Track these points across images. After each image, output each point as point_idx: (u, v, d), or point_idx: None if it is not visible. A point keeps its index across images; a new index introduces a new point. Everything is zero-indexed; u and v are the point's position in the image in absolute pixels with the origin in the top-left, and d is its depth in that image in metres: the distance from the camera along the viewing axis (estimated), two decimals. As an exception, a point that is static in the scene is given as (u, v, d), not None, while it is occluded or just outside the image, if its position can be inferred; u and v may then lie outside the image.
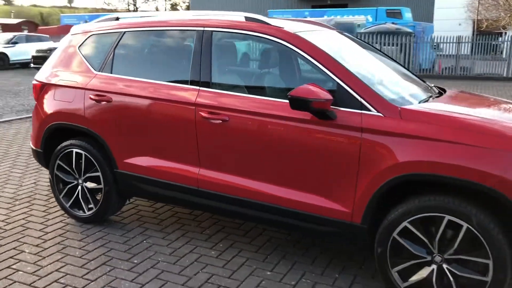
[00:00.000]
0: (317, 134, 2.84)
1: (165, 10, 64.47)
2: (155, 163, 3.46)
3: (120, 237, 3.60)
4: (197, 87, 3.24)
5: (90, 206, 3.81)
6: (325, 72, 2.90)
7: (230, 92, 3.14)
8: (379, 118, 2.71)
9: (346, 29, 19.63)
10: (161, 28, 3.57)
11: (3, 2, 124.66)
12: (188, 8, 51.06)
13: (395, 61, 4.02)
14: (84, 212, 3.83)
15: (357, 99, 2.78)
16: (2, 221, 3.88)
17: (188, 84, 3.29)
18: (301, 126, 2.88)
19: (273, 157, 2.99)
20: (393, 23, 20.40)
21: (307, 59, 2.96)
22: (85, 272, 3.08)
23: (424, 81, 3.77)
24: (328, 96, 2.71)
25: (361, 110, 2.76)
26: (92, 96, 3.62)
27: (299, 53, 3.00)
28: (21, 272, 3.07)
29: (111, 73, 3.65)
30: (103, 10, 61.26)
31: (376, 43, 17.58)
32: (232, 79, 3.35)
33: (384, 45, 17.53)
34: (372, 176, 2.70)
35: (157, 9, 63.90)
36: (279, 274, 3.08)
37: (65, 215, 3.97)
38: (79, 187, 3.83)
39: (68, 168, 3.84)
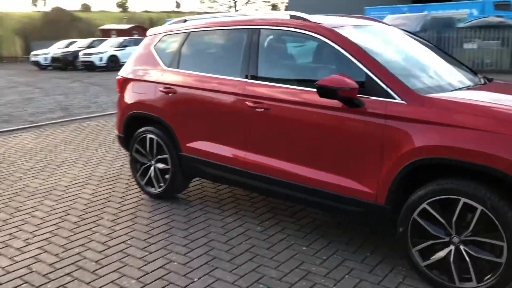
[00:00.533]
0: (346, 121, 3.09)
1: (264, 11, 65.84)
2: (210, 147, 3.91)
3: (182, 211, 4.12)
4: (245, 80, 3.63)
5: (160, 184, 4.38)
6: (355, 63, 3.13)
7: (271, 83, 3.49)
8: (402, 106, 2.89)
9: (444, 25, 18.83)
10: (219, 28, 4.03)
11: (120, 9, 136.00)
12: (286, 8, 51.80)
13: (446, 53, 4.08)
14: (155, 189, 4.42)
15: (383, 88, 2.98)
16: (90, 194, 4.61)
17: (238, 77, 3.69)
18: (332, 114, 3.14)
19: (307, 142, 3.29)
20: (498, 16, 19.12)
21: (340, 51, 3.21)
22: (148, 236, 3.62)
23: (473, 71, 3.82)
24: (354, 85, 2.95)
25: (386, 98, 2.96)
26: (161, 89, 4.18)
27: (333, 46, 3.26)
28: (97, 234, 3.69)
29: (178, 68, 4.19)
30: (206, 13, 64.16)
31: (478, 38, 16.68)
32: (274, 72, 3.69)
33: (484, 39, 16.56)
34: (394, 160, 2.89)
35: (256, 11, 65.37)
36: (313, 250, 3.37)
37: (141, 192, 4.58)
38: (152, 168, 4.42)
39: (143, 151, 4.45)
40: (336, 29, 3.35)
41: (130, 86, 4.54)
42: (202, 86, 3.90)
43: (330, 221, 3.86)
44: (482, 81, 3.64)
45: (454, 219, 2.72)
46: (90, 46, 26.02)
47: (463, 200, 2.66)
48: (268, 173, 3.53)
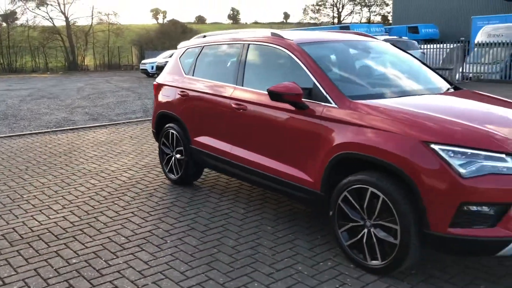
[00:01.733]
0: (295, 121, 3.72)
1: (369, 21, 65.13)
2: (210, 141, 4.72)
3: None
4: (234, 85, 4.40)
5: (178, 172, 5.28)
6: (307, 73, 3.75)
7: (249, 88, 4.21)
8: (334, 109, 3.47)
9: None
10: (223, 43, 4.84)
11: (231, 21, 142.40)
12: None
13: (424, 64, 4.50)
14: (174, 176, 5.32)
15: (324, 94, 3.58)
16: (127, 178, 5.65)
17: (231, 83, 4.47)
18: (286, 115, 3.79)
19: (269, 138, 3.97)
20: None
21: (298, 63, 3.85)
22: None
23: (447, 81, 4.24)
24: (297, 91, 3.58)
25: (325, 102, 3.55)
26: (179, 92, 5.09)
27: (294, 59, 3.90)
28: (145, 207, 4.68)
29: (193, 76, 5.07)
30: (309, 24, 65.19)
31: None
32: (252, 79, 4.37)
33: None
34: (325, 154, 3.46)
35: (360, 22, 64.96)
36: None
37: (173, 186, 5.52)
38: (173, 158, 5.34)
39: (167, 143, 5.38)
40: (300, 45, 3.98)
41: (161, 90, 5.52)
42: (205, 90, 4.74)
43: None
44: (443, 90, 4.04)
45: (365, 205, 3.23)
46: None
47: (370, 189, 3.17)
48: (245, 163, 4.25)
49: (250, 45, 4.42)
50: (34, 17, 48.17)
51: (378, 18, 72.26)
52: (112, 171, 5.94)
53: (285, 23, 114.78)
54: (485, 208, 2.82)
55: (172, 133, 5.25)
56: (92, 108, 12.53)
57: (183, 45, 5.58)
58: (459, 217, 2.84)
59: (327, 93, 3.56)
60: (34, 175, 5.76)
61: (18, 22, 48.63)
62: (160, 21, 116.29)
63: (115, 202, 4.77)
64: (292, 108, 3.72)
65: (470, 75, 18.29)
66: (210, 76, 4.84)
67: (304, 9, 71.04)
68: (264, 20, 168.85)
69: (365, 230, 3.27)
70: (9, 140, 8.04)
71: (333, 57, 4.13)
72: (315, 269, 3.35)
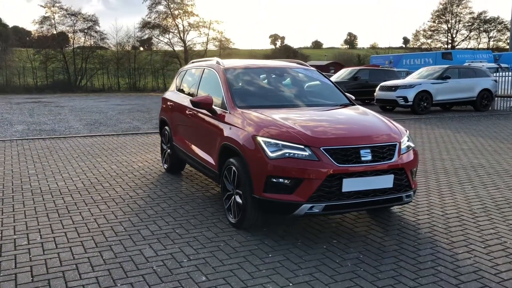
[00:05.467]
0: (210, 122, 5.30)
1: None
2: (180, 139, 6.44)
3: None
4: (190, 97, 6.09)
5: (166, 164, 7.08)
6: (222, 89, 5.32)
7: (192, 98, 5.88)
8: (227, 114, 4.99)
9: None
10: (194, 67, 6.59)
11: (347, 46, 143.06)
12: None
13: (336, 86, 5.80)
14: (165, 166, 7.13)
15: (225, 104, 5.12)
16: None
17: (191, 96, 6.17)
18: (207, 117, 5.38)
19: (202, 134, 5.58)
20: None
21: (219, 82, 5.43)
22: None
23: (348, 98, 5.56)
24: (209, 101, 5.17)
25: (225, 110, 5.09)
26: (169, 103, 6.93)
27: (218, 79, 5.50)
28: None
29: (178, 91, 6.88)
30: (420, 49, 63.87)
31: None
32: (202, 93, 5.98)
33: None
34: (218, 145, 4.99)
35: (477, 48, 62.07)
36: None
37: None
38: (167, 151, 7.14)
39: (164, 141, 7.22)
40: (225, 70, 5.56)
41: (163, 101, 7.41)
42: (179, 101, 6.51)
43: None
44: (338, 105, 5.37)
45: (231, 178, 4.69)
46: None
47: (233, 168, 4.63)
48: (194, 156, 5.88)
49: (205, 69, 6.10)
50: (158, 43, 53.20)
51: (501, 44, 68.44)
52: (148, 162, 7.93)
53: (403, 48, 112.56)
54: (284, 180, 4.15)
55: (166, 133, 7.08)
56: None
57: (184, 67, 7.41)
58: (268, 185, 4.20)
59: (227, 103, 5.11)
60: (85, 160, 7.98)
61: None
62: (278, 46, 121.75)
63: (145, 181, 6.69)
64: (209, 113, 5.32)
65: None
66: (185, 91, 6.62)
67: (415, 34, 69.05)
68: (383, 44, 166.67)
69: (234, 197, 4.72)
70: (82, 139, 10.56)
71: (245, 78, 5.64)
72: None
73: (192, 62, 7.12)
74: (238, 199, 4.55)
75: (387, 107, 17.91)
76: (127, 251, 4.05)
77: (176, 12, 52.10)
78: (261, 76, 5.86)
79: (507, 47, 54.46)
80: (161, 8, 51.28)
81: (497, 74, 19.57)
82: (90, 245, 4.20)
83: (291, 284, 3.46)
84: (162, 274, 3.61)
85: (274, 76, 5.89)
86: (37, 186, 6.26)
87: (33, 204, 5.45)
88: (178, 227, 4.67)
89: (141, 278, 3.53)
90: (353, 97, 5.80)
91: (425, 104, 16.62)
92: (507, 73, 19.55)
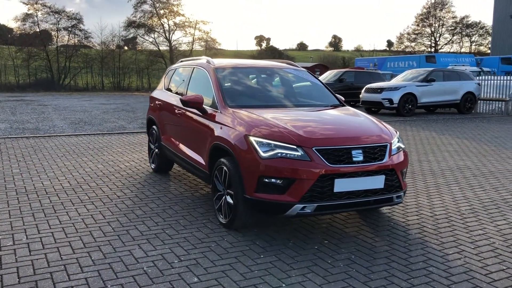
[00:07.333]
0: (200, 121, 5.24)
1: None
2: (168, 139, 6.37)
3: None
4: (179, 96, 6.03)
5: (154, 163, 7.00)
6: (212, 88, 5.27)
7: (180, 97, 5.81)
8: (218, 114, 4.95)
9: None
10: (182, 66, 6.53)
11: (332, 48, 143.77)
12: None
13: (326, 87, 5.80)
14: (153, 166, 7.05)
15: (216, 103, 5.07)
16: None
17: (180, 95, 6.11)
18: (197, 117, 5.33)
19: (190, 133, 5.52)
20: None
21: (210, 81, 5.38)
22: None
23: (338, 99, 5.55)
24: (199, 100, 5.11)
25: (216, 109, 5.04)
26: (157, 102, 6.85)
27: (209, 78, 5.45)
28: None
29: (166, 90, 6.81)
30: (404, 52, 64.55)
31: None
32: (187, 92, 5.94)
33: None
34: (208, 145, 4.94)
35: (460, 52, 63.02)
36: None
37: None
38: (154, 151, 7.06)
39: (152, 140, 7.13)
40: (215, 69, 5.51)
41: (151, 100, 7.32)
42: (167, 100, 6.43)
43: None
44: (328, 106, 5.36)
45: (222, 179, 4.65)
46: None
47: (224, 168, 4.59)
48: (183, 155, 5.82)
49: (195, 68, 6.04)
50: (143, 42, 52.65)
51: (482, 48, 69.58)
52: (126, 161, 7.83)
53: (387, 51, 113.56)
54: (276, 181, 4.12)
55: (154, 132, 6.99)
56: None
57: (171, 67, 7.34)
58: (260, 185, 4.17)
59: (218, 102, 5.06)
60: (71, 159, 7.84)
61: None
62: (264, 47, 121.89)
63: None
64: (199, 113, 5.26)
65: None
66: (173, 90, 6.55)
67: (399, 38, 69.80)
68: (367, 47, 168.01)
69: (224, 197, 4.67)
70: (67, 137, 10.39)
71: (236, 78, 5.60)
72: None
73: (181, 61, 7.05)
74: (229, 199, 4.50)
75: (372, 109, 18.02)
76: (116, 252, 3.98)
77: (162, 12, 51.66)
78: (251, 76, 5.82)
79: (489, 51, 55.42)
80: (146, 7, 50.80)
81: (480, 77, 19.87)
82: (78, 245, 4.11)
83: (284, 285, 3.43)
84: (153, 275, 3.55)
85: (265, 76, 5.87)
86: (21, 186, 6.13)
87: (17, 203, 5.33)
88: (168, 228, 4.61)
89: (132, 279, 3.46)
90: (343, 98, 5.81)
91: (410, 106, 16.78)
92: (489, 76, 19.84)
